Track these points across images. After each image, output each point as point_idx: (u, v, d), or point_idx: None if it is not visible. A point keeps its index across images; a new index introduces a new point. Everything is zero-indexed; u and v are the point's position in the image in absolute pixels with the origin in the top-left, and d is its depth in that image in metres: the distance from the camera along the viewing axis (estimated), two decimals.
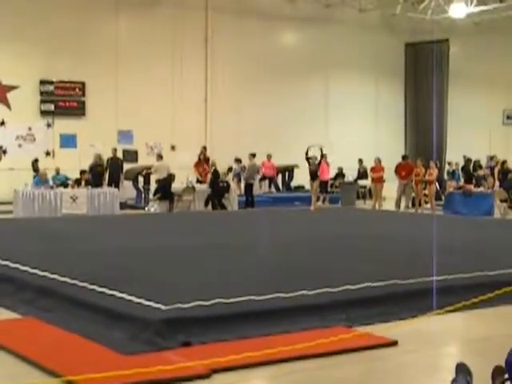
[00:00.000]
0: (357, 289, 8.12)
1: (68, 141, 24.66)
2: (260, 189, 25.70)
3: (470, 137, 29.64)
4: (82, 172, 21.72)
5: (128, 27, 26.04)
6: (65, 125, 24.54)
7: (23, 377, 5.71)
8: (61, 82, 24.43)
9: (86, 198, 19.73)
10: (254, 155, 23.88)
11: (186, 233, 15.00)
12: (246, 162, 24.37)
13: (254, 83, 27.67)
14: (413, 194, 22.59)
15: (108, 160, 22.57)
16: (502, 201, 20.70)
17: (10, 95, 23.84)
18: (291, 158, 25.36)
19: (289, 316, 7.23)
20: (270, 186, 26.52)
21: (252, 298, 7.48)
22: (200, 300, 7.17)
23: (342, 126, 29.74)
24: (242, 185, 23.98)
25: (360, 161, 27.31)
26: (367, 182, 25.76)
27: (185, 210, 21.31)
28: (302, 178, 25.16)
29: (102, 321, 7.05)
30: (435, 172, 22.16)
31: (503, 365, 4.74)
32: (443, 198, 23.43)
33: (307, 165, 21.11)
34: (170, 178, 21.53)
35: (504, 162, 24.73)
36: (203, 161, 24.15)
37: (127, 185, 23.32)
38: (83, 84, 24.76)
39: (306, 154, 20.78)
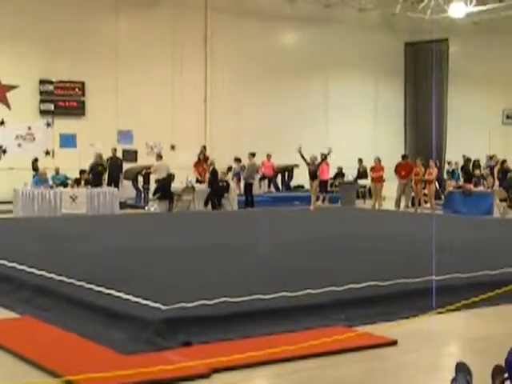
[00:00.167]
0: (357, 288, 8.11)
1: (68, 140, 24.66)
2: (260, 188, 25.69)
3: (469, 136, 29.62)
4: (82, 172, 21.75)
5: (128, 27, 26.05)
6: (64, 124, 24.55)
7: (22, 376, 5.70)
8: (60, 81, 24.44)
9: (86, 198, 19.73)
10: (253, 155, 23.82)
11: (185, 233, 14.99)
12: (245, 161, 24.37)
13: (253, 83, 27.66)
14: (412, 194, 22.59)
15: (108, 160, 22.55)
16: (501, 200, 20.71)
17: (9, 95, 23.84)
18: (291, 157, 25.30)
19: (291, 315, 7.23)
20: (269, 186, 26.51)
21: (256, 297, 7.46)
22: (200, 300, 7.15)
23: (341, 125, 29.74)
24: (242, 184, 23.97)
25: (360, 160, 27.30)
26: (367, 182, 25.75)
27: (184, 210, 21.30)
28: (301, 177, 25.16)
29: (100, 320, 7.03)
30: (435, 171, 22.14)
31: (503, 364, 4.74)
32: (443, 197, 23.44)
33: (304, 163, 21.08)
34: (170, 177, 21.52)
35: (504, 162, 24.78)
36: (203, 160, 24.11)
37: (127, 184, 23.32)
38: (83, 84, 24.76)
39: (299, 151, 20.63)
